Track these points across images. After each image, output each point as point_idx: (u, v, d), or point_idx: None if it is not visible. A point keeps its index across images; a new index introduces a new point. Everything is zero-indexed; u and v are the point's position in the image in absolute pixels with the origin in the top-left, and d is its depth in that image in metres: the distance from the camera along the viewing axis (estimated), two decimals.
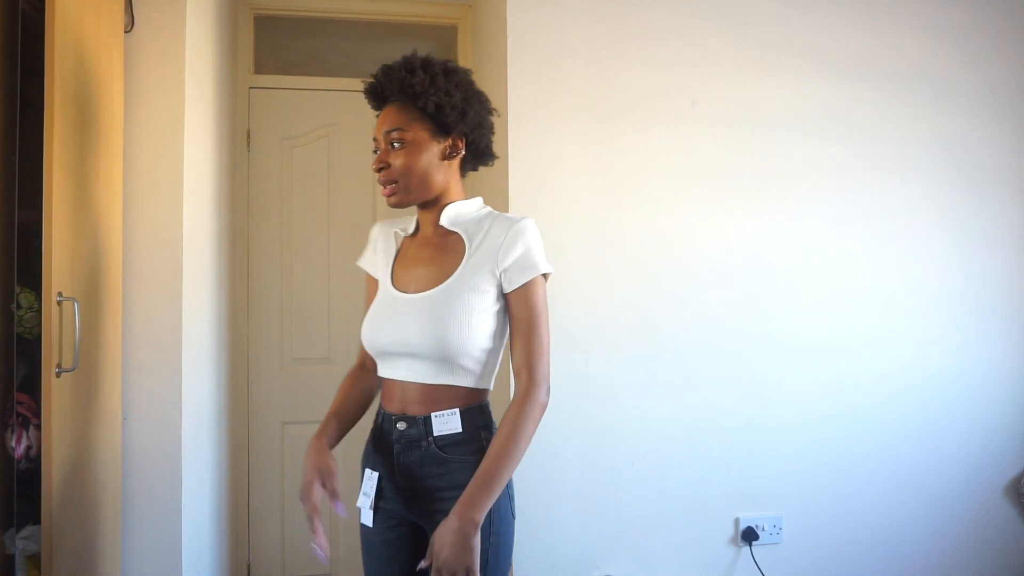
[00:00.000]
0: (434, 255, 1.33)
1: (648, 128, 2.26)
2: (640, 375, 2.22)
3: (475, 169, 1.41)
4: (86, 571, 1.61)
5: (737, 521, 2.28)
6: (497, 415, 1.32)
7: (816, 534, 2.32)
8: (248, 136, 2.65)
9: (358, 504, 1.34)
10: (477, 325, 1.24)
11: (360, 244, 2.69)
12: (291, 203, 2.69)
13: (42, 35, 1.47)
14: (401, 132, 1.28)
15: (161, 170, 1.89)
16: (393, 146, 1.29)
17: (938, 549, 2.40)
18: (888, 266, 2.38)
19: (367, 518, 1.32)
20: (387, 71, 1.30)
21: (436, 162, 1.31)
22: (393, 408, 1.31)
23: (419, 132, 1.29)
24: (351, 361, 2.79)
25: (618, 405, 2.22)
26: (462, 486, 1.20)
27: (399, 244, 1.40)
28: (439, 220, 1.33)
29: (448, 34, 2.86)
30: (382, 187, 1.32)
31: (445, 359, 1.24)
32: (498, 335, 1.28)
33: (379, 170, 1.31)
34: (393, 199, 1.31)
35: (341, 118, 2.71)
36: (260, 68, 2.72)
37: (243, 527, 2.62)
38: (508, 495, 1.26)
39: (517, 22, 2.18)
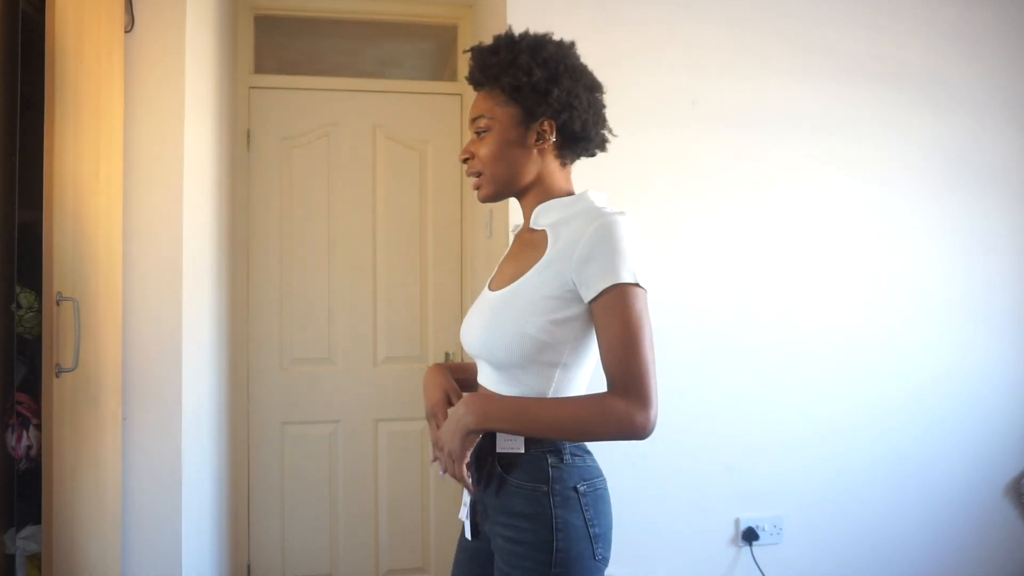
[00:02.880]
0: (519, 252, 1.22)
1: (648, 128, 2.26)
2: None
3: (590, 155, 1.28)
4: (86, 571, 1.61)
5: (737, 521, 2.28)
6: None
7: (816, 534, 2.32)
8: (248, 136, 2.65)
9: (460, 516, 1.26)
10: (534, 333, 1.10)
11: (360, 244, 2.70)
12: (291, 203, 2.68)
13: (42, 35, 1.47)
14: (485, 119, 1.18)
15: (161, 170, 1.89)
16: (478, 134, 1.19)
17: (938, 549, 2.40)
18: (888, 265, 2.38)
19: (467, 532, 1.23)
20: (474, 52, 1.20)
21: (524, 150, 1.18)
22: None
23: (504, 118, 1.17)
24: (351, 361, 2.80)
25: None
26: (518, 514, 1.10)
27: (511, 240, 1.33)
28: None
29: (448, 34, 2.86)
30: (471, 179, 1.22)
31: (501, 366, 1.14)
32: (571, 348, 1.12)
33: (465, 160, 1.21)
34: (479, 192, 1.21)
35: (341, 118, 2.71)
36: (260, 68, 2.72)
37: (243, 527, 2.62)
38: (589, 534, 1.10)
39: (517, 22, 2.17)
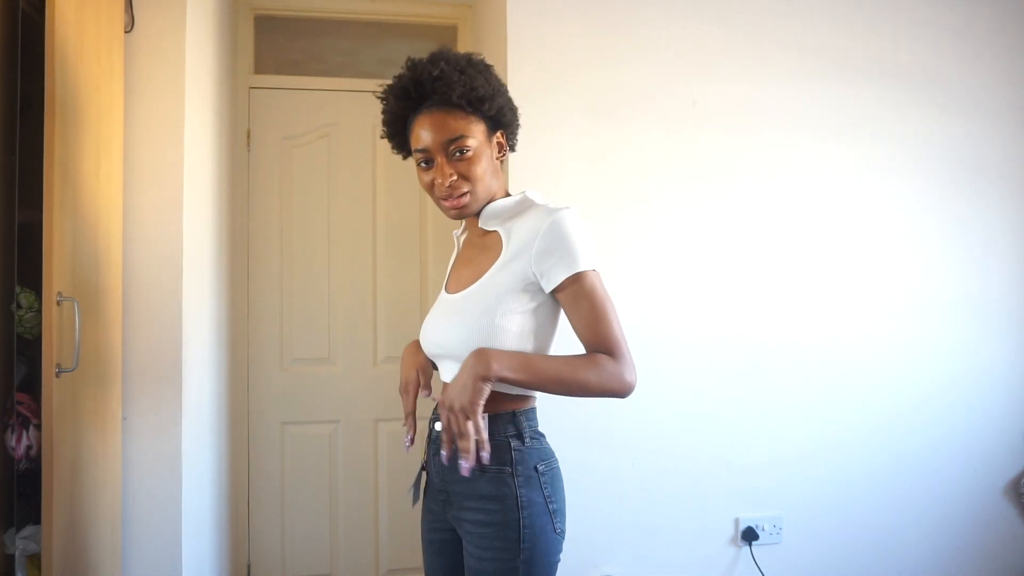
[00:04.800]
0: (474, 255, 1.30)
1: (648, 128, 2.26)
2: (640, 374, 2.22)
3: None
4: (86, 571, 1.61)
5: (737, 521, 2.28)
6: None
7: (816, 534, 2.32)
8: (248, 136, 2.65)
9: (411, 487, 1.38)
10: (505, 326, 1.18)
11: (359, 243, 2.70)
12: (291, 203, 2.68)
13: (42, 35, 1.47)
14: (465, 139, 1.21)
15: (161, 170, 1.89)
16: (459, 153, 1.21)
17: (938, 549, 2.40)
18: (888, 265, 2.38)
19: (412, 497, 1.35)
20: (440, 77, 1.19)
21: (496, 164, 1.28)
22: (438, 408, 1.29)
23: (479, 136, 1.23)
24: (351, 361, 2.80)
25: (618, 405, 2.21)
26: (485, 497, 1.18)
27: (460, 246, 1.39)
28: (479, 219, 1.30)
29: (448, 34, 2.86)
30: (445, 200, 1.24)
31: None
32: (537, 337, 1.22)
33: (448, 184, 1.21)
34: (463, 210, 1.25)
35: (341, 118, 2.71)
36: (260, 68, 2.72)
37: (243, 527, 2.62)
38: (548, 510, 1.20)
39: (517, 22, 2.18)
